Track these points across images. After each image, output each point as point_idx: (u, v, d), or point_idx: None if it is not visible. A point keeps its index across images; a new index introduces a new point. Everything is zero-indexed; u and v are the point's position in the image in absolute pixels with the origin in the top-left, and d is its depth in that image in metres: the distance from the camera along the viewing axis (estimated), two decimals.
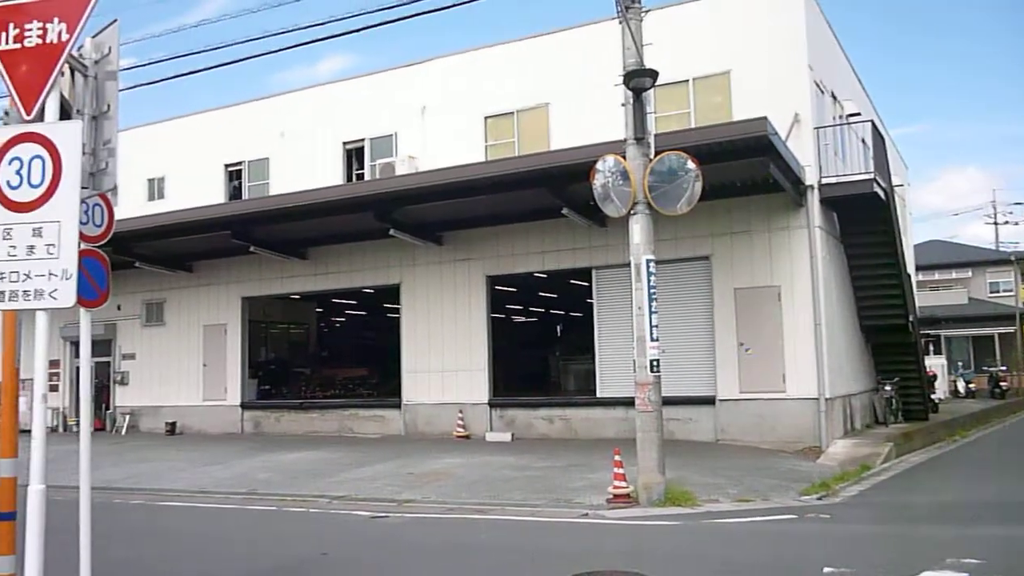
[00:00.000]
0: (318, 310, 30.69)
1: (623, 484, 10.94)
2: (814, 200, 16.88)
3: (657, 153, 11.15)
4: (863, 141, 20.27)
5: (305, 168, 23.50)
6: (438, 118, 22.08)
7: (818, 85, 18.27)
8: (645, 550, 8.49)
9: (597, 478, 12.46)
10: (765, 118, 13.82)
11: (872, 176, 17.67)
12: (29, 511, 4.48)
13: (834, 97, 19.96)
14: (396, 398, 21.24)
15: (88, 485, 5.82)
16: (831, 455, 15.03)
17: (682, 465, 13.04)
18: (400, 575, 7.67)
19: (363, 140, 23.46)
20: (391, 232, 19.23)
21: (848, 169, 18.78)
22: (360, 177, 23.29)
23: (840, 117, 19.96)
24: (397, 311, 21.87)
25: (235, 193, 25.41)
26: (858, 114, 20.53)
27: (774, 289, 17.02)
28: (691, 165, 10.96)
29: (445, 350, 20.44)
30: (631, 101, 11.26)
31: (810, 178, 16.82)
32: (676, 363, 16.68)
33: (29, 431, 4.99)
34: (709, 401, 17.27)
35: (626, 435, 15.65)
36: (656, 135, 11.59)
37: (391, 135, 22.94)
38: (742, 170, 15.67)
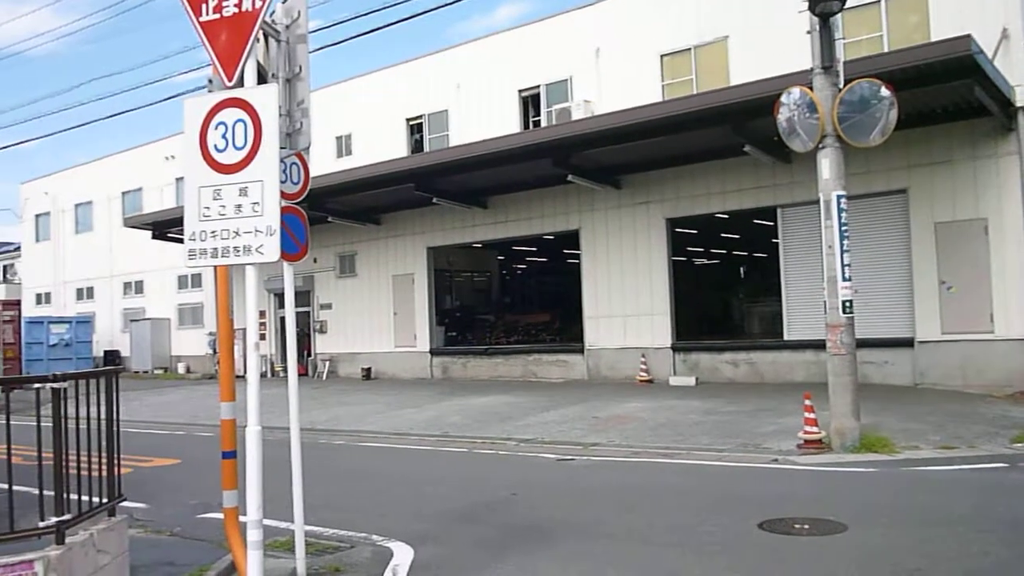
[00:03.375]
0: (499, 257, 31.27)
1: (815, 429, 10.59)
2: None
3: (847, 82, 10.49)
4: None
5: (482, 118, 23.84)
6: (613, 60, 21.74)
7: None
8: (838, 498, 8.20)
9: (786, 423, 12.13)
10: (969, 36, 12.69)
11: None
12: (248, 450, 4.84)
13: None
14: (579, 343, 21.43)
15: (297, 426, 6.24)
16: None
17: (878, 410, 12.47)
18: (588, 517, 7.79)
19: (538, 87, 23.48)
20: (569, 178, 19.25)
21: None
22: (536, 124, 23.36)
23: None
24: (577, 256, 21.97)
25: (417, 146, 26.16)
26: None
27: (980, 222, 15.80)
28: (885, 92, 10.25)
29: (626, 294, 20.38)
30: (817, 27, 10.63)
31: (1020, 99, 15.38)
32: (870, 303, 15.91)
33: (241, 377, 5.38)
34: (907, 343, 16.36)
35: (816, 379, 15.14)
36: (845, 62, 10.90)
37: (566, 80, 22.83)
38: (942, 95, 14.53)
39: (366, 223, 25.34)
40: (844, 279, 10.51)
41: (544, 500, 8.69)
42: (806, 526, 6.98)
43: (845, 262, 10.51)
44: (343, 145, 27.97)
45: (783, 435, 11.36)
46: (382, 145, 25.91)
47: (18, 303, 31.49)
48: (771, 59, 16.80)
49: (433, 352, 24.53)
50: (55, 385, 4.81)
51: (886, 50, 16.73)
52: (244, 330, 5.23)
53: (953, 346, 15.83)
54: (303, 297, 26.86)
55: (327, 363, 26.82)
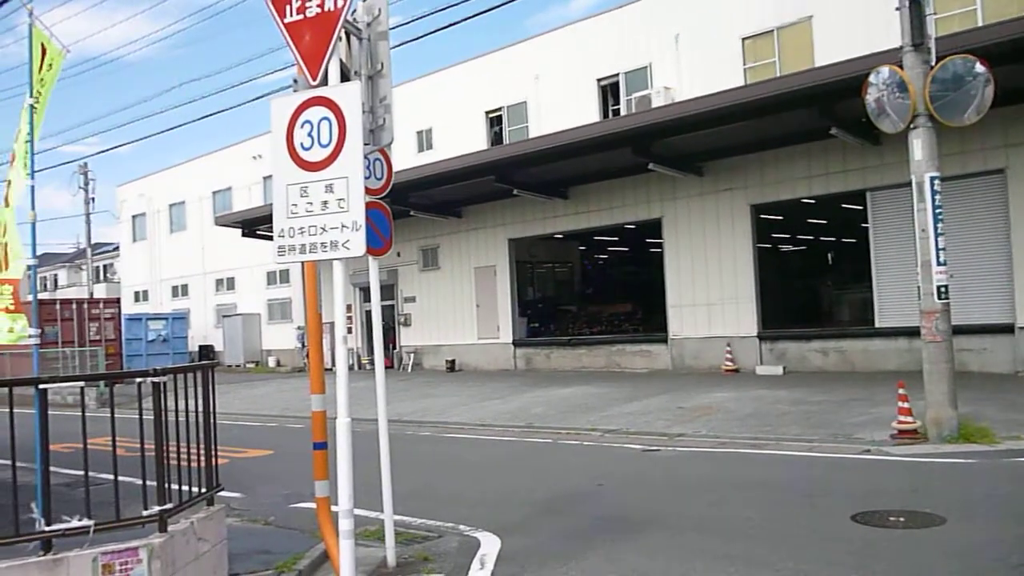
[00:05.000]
0: (580, 248, 31.19)
1: (909, 419, 10.27)
2: None
3: (939, 59, 10.11)
4: None
5: (561, 108, 23.79)
6: (693, 45, 21.44)
7: None
8: (935, 489, 7.94)
9: (879, 412, 11.80)
10: None
11: None
12: (338, 441, 4.94)
13: None
14: (662, 332, 21.24)
15: (385, 418, 6.34)
16: None
17: (976, 399, 12.03)
18: (674, 508, 7.72)
19: (617, 75, 23.31)
20: (650, 166, 19.07)
21: None
22: (616, 113, 23.21)
23: None
24: (659, 245, 21.75)
25: (496, 138, 26.27)
26: None
27: None
28: (980, 68, 9.84)
29: (710, 283, 20.10)
30: (907, 3, 10.25)
31: None
32: (967, 289, 15.35)
33: (330, 369, 5.49)
34: (1007, 329, 15.72)
35: (910, 367, 14.70)
36: (937, 39, 10.49)
37: (645, 67, 22.61)
38: None
39: (448, 216, 25.56)
40: (939, 263, 10.15)
41: (630, 491, 8.65)
42: (901, 519, 6.78)
43: (940, 246, 10.15)
44: (424, 139, 28.27)
45: (876, 425, 11.06)
46: (462, 138, 26.10)
47: (118, 301, 32.72)
48: (857, 38, 16.33)
49: (516, 343, 24.63)
50: (155, 379, 5.00)
51: (980, 24, 16.09)
52: (332, 324, 5.35)
53: None
54: (388, 291, 27.28)
55: (412, 355, 27.19)
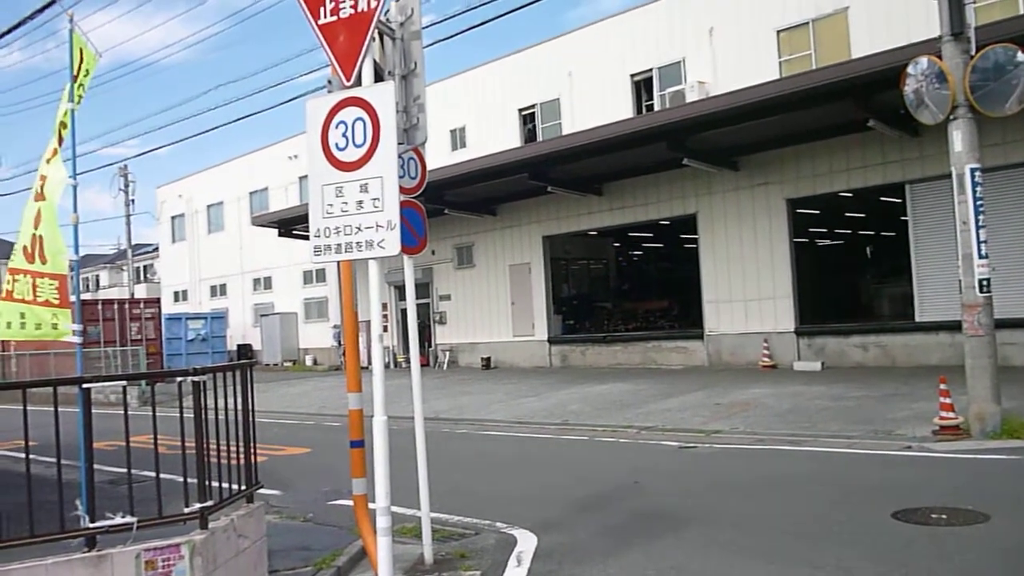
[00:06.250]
0: (615, 244, 31.07)
1: (951, 415, 10.11)
2: None
3: (979, 48, 9.94)
4: None
5: (595, 105, 23.72)
6: (727, 39, 21.26)
7: None
8: (978, 486, 7.80)
9: (920, 408, 11.63)
10: None
11: None
12: (375, 439, 4.97)
13: None
14: (698, 329, 21.11)
15: (422, 416, 6.37)
16: None
17: (1021, 394, 11.80)
18: (712, 505, 7.67)
19: (650, 70, 23.18)
20: (685, 161, 18.95)
21: None
22: (649, 108, 23.09)
23: None
24: (695, 241, 21.61)
25: (529, 136, 26.26)
26: None
27: None
28: (1022, 57, 9.65)
29: (747, 278, 19.93)
30: None
31: None
32: (1010, 281, 15.08)
33: (366, 368, 5.52)
34: None
35: (952, 362, 14.45)
36: (977, 28, 10.31)
37: (679, 62, 22.47)
38: None
39: (482, 214, 25.60)
40: (980, 256, 9.98)
41: (667, 488, 8.61)
42: (944, 516, 6.68)
43: (981, 239, 9.97)
44: (457, 138, 28.32)
45: (917, 421, 10.90)
46: (495, 136, 26.13)
47: (158, 301, 33.24)
48: (894, 29, 16.11)
49: (551, 341, 24.61)
50: (195, 378, 5.06)
51: (1022, 12, 15.78)
52: (368, 322, 5.37)
53: None
54: (423, 289, 27.38)
55: (447, 353, 27.29)
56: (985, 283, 10.00)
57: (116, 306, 29.91)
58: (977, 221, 9.97)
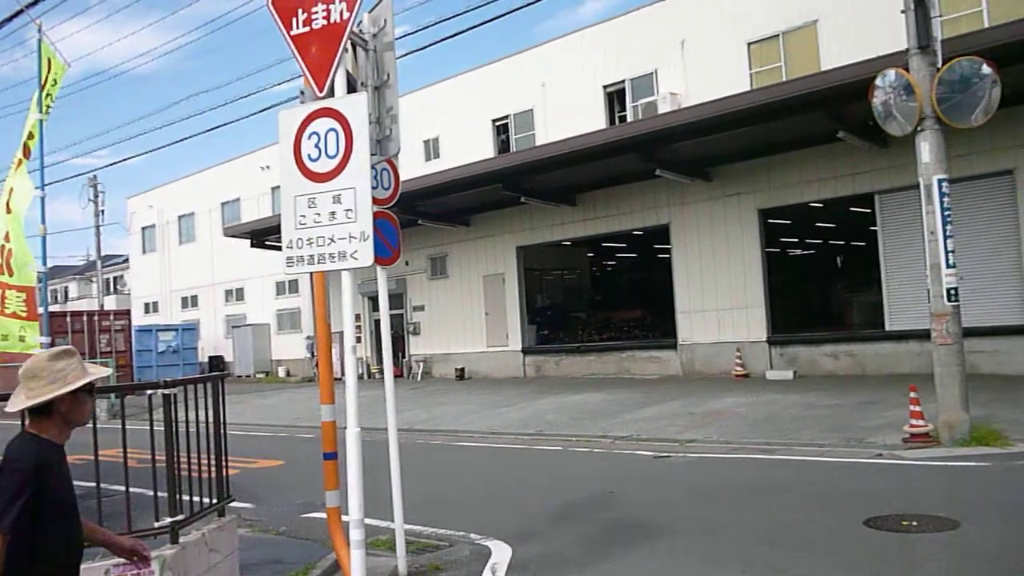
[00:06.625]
0: (589, 255, 31.17)
1: (921, 422, 10.22)
2: None
3: (945, 61, 10.10)
4: None
5: (568, 116, 23.81)
6: (699, 51, 21.45)
7: None
8: (949, 493, 7.89)
9: (892, 416, 11.74)
10: None
11: None
12: (348, 451, 4.95)
13: None
14: (672, 338, 21.20)
15: (395, 427, 6.35)
16: None
17: (989, 401, 11.98)
18: (687, 514, 7.70)
19: (623, 82, 23.33)
20: (657, 172, 19.07)
21: None
22: (622, 119, 23.21)
23: None
24: (668, 251, 21.72)
25: (503, 146, 26.31)
26: None
27: None
28: (987, 70, 9.83)
29: (719, 288, 20.06)
30: (912, 6, 10.24)
31: None
32: (978, 291, 15.28)
33: (340, 379, 5.50)
34: (1019, 331, 15.63)
35: (922, 370, 14.60)
36: (943, 41, 10.47)
37: (651, 74, 22.63)
38: None
39: (456, 225, 25.58)
40: (948, 266, 10.12)
41: (642, 497, 8.63)
42: (915, 523, 6.74)
43: (949, 248, 10.11)
44: (431, 148, 28.32)
45: (888, 429, 11.01)
46: (469, 147, 26.14)
47: (128, 312, 32.84)
48: (863, 42, 16.33)
49: (525, 351, 24.61)
50: (166, 391, 5.02)
51: (987, 26, 16.06)
52: (341, 333, 5.35)
53: None
54: (396, 300, 27.29)
55: (421, 364, 27.20)
56: (953, 292, 10.13)
57: (85, 318, 29.53)
58: (945, 231, 10.11)
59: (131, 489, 4.87)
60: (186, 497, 5.09)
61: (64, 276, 67.63)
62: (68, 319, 28.91)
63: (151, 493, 4.86)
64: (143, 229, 43.52)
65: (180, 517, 4.93)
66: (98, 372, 3.12)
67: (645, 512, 7.90)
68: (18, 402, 2.95)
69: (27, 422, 3.01)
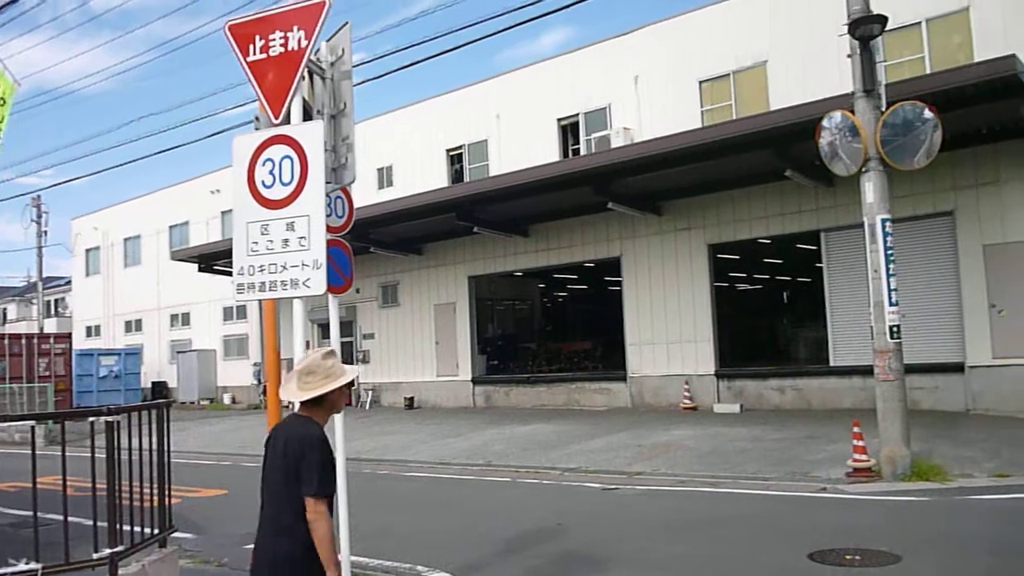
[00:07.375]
0: (541, 286, 31.29)
1: (864, 457, 10.40)
2: None
3: (889, 104, 10.42)
4: None
5: (522, 147, 23.98)
6: (652, 87, 21.80)
7: None
8: (890, 527, 8.03)
9: (835, 450, 11.93)
10: (1013, 56, 12.53)
11: None
12: None
13: None
14: (621, 370, 21.31)
15: (343, 457, 6.26)
16: None
17: (929, 437, 12.24)
18: (635, 546, 7.71)
19: (577, 115, 23.59)
20: (609, 205, 19.24)
21: None
22: (576, 152, 23.45)
23: None
24: (619, 284, 21.91)
25: (457, 176, 26.37)
26: None
27: None
28: (928, 114, 10.16)
29: (668, 321, 20.25)
30: (858, 51, 10.57)
31: None
32: (918, 328, 15.62)
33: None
34: (957, 368, 16.03)
35: (865, 405, 14.89)
36: (887, 85, 10.81)
37: (605, 108, 22.92)
38: (987, 115, 14.38)
39: (408, 253, 25.51)
40: (891, 304, 10.37)
41: (590, 530, 8.62)
42: (858, 557, 6.84)
43: (891, 286, 10.37)
44: (384, 176, 28.28)
45: (832, 463, 11.17)
46: (423, 176, 26.17)
47: (69, 336, 32.02)
48: (811, 83, 16.75)
49: (475, 381, 24.54)
50: (109, 418, 4.91)
51: (929, 71, 16.60)
52: (290, 360, 5.30)
53: (1007, 370, 15.46)
54: (346, 327, 27.07)
55: (370, 393, 26.94)
56: (895, 329, 10.37)
57: (24, 341, 28.72)
58: (888, 269, 10.36)
59: (70, 518, 4.74)
60: (127, 527, 4.96)
61: (3, 297, 65.92)
62: (6, 342, 28.08)
63: (90, 523, 4.73)
64: (87, 251, 42.65)
65: (120, 548, 4.80)
66: (354, 371, 3.79)
67: (593, 544, 7.90)
68: (295, 393, 3.55)
69: (297, 407, 3.62)
